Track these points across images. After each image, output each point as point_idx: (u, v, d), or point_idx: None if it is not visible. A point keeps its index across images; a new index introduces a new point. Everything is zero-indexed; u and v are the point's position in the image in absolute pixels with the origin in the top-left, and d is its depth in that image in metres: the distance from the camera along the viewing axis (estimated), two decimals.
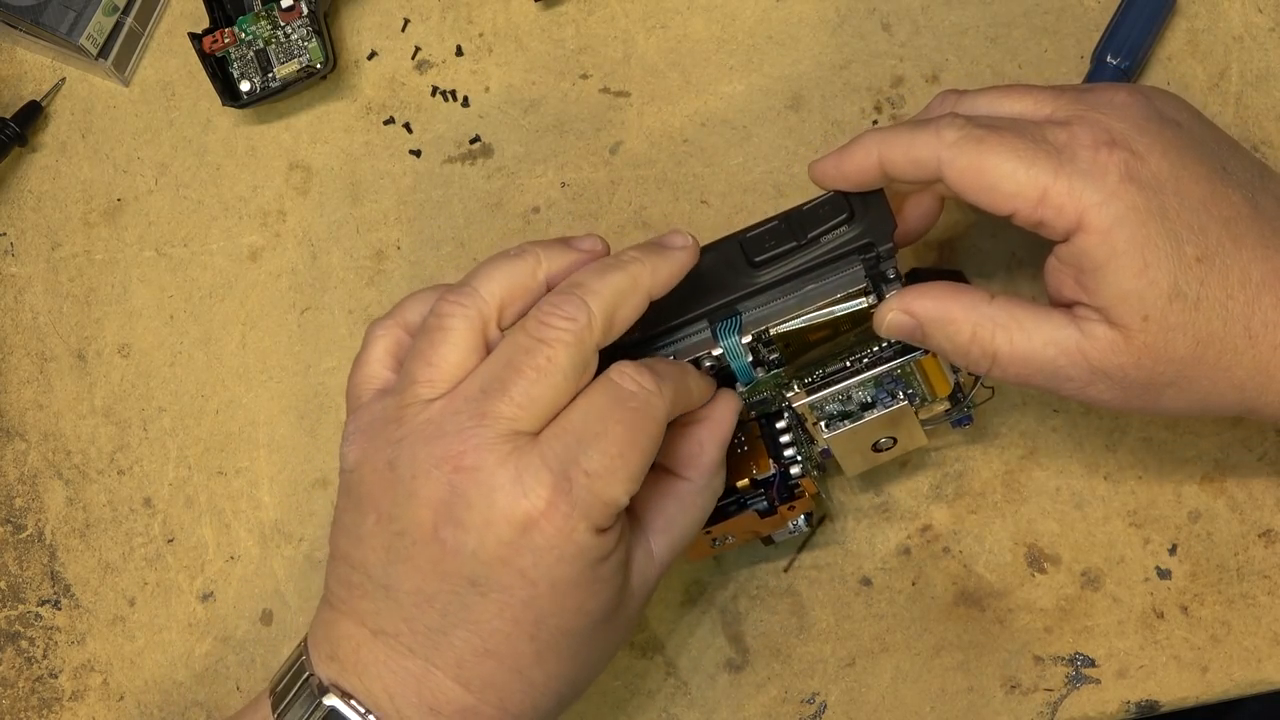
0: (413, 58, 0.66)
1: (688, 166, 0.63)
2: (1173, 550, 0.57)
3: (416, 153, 0.65)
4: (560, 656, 0.47)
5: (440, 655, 0.47)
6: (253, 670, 0.62)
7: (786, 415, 0.54)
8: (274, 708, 0.49)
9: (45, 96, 0.68)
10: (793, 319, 0.51)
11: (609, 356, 0.49)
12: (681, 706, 0.59)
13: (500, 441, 0.46)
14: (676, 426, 0.51)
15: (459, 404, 0.47)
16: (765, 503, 0.54)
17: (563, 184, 0.64)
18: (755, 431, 0.54)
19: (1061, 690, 0.56)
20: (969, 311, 0.48)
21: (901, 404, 0.52)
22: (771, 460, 0.54)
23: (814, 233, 0.51)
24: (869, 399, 0.53)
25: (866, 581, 0.58)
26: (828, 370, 0.53)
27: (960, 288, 0.49)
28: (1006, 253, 0.60)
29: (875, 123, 0.62)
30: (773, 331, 0.51)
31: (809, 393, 0.53)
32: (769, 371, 0.53)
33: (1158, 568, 0.57)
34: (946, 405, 0.54)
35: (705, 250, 0.51)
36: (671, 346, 0.53)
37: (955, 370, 0.53)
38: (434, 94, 0.66)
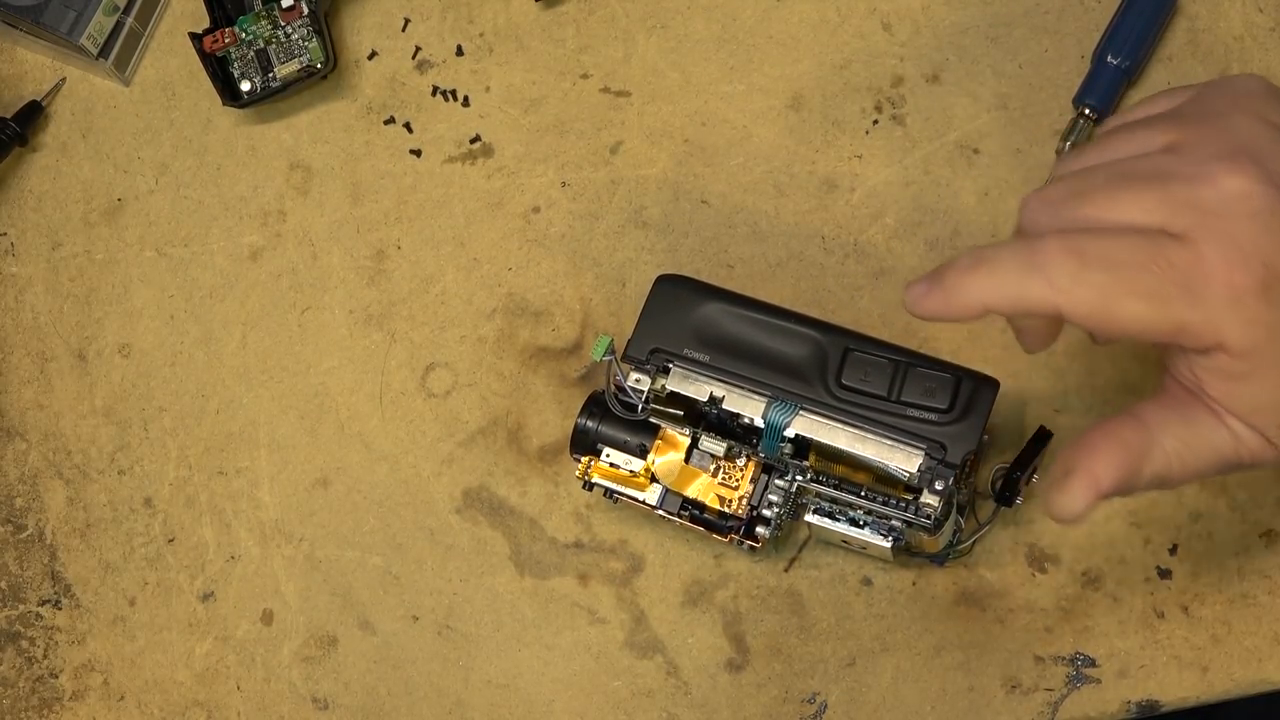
0: (413, 57, 0.66)
1: (688, 166, 0.63)
2: (1173, 550, 0.57)
3: (416, 153, 0.65)
4: None
5: None
6: (253, 670, 0.62)
7: (787, 479, 0.55)
8: None
9: (45, 96, 0.68)
10: (839, 446, 0.53)
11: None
12: (681, 706, 0.59)
13: None
14: None
15: None
16: (724, 529, 0.56)
17: (563, 184, 0.64)
18: (751, 472, 0.55)
19: (1062, 690, 0.56)
20: (1150, 463, 0.46)
21: (885, 544, 0.54)
22: (750, 507, 0.55)
23: (907, 399, 0.52)
24: (860, 521, 0.55)
25: (867, 581, 0.58)
26: (843, 484, 0.54)
27: (1125, 434, 0.46)
28: None
29: (876, 123, 0.62)
30: (816, 442, 0.53)
31: (816, 512, 0.55)
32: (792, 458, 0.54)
33: (1158, 567, 0.57)
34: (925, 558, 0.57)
35: (817, 327, 0.53)
36: (726, 386, 0.54)
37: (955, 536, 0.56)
38: (434, 94, 0.66)
